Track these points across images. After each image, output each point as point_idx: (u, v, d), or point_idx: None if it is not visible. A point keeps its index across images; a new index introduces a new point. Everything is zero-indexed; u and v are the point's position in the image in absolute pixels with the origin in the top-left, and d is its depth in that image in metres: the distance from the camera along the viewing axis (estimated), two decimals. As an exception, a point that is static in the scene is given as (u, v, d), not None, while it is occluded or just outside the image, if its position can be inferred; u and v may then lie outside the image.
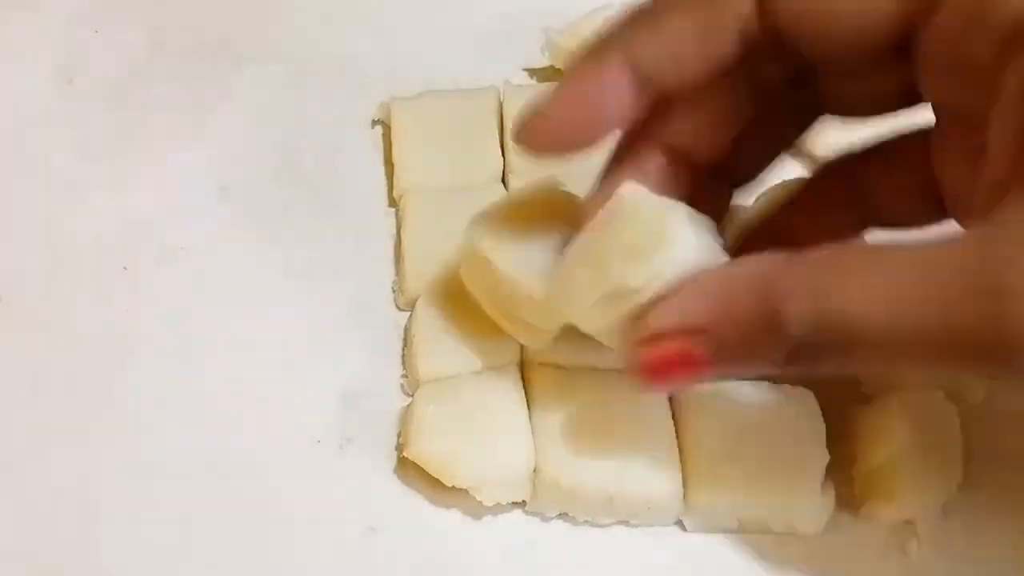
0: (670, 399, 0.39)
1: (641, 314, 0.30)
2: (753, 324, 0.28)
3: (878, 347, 0.27)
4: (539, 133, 0.32)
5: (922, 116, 0.35)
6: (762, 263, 0.29)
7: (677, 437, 0.39)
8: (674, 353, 0.29)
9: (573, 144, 0.32)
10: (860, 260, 0.28)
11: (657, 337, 0.30)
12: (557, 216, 0.37)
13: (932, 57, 0.31)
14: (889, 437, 0.39)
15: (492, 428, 0.39)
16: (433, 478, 0.38)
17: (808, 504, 0.38)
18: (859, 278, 0.27)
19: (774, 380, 0.40)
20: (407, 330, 0.43)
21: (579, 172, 0.37)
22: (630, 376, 0.31)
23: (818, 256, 0.28)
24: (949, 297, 0.26)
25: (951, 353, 0.27)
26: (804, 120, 0.37)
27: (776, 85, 0.34)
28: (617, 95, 0.32)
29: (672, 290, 0.30)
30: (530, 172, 0.44)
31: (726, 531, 0.39)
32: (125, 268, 0.44)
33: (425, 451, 0.38)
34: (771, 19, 0.32)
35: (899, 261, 0.27)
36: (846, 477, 0.40)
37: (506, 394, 0.40)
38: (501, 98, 0.47)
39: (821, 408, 0.42)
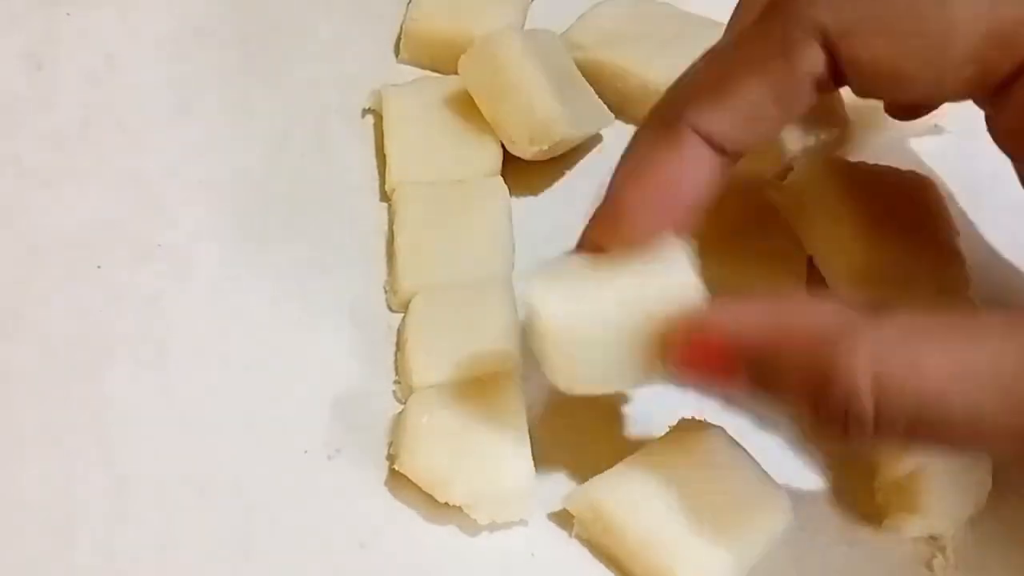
0: None
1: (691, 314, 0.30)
2: (799, 376, 0.27)
3: (953, 433, 0.26)
4: (617, 225, 0.31)
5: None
6: (826, 313, 0.28)
7: None
8: (715, 356, 0.29)
9: (653, 233, 0.30)
10: (941, 330, 0.26)
11: (701, 335, 0.29)
12: None
13: (1010, 123, 0.30)
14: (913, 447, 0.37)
15: (489, 441, 0.37)
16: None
17: None
18: (937, 353, 0.25)
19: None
20: (400, 333, 0.41)
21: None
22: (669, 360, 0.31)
23: (894, 322, 0.27)
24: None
25: None
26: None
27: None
28: (699, 172, 0.30)
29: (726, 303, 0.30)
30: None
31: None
32: (99, 267, 0.43)
33: (417, 466, 0.37)
34: (842, 68, 0.30)
35: (985, 335, 0.26)
36: (867, 488, 0.39)
37: (505, 403, 0.38)
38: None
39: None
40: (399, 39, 0.49)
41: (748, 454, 0.37)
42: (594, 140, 0.46)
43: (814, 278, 0.41)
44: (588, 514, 0.37)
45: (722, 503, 0.36)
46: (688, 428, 0.38)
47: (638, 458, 0.37)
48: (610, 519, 0.36)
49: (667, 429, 0.38)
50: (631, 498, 0.36)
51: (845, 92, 0.33)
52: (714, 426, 0.38)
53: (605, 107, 0.45)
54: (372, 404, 0.40)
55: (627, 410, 0.40)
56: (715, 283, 0.40)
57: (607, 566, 0.37)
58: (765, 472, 0.37)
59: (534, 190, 0.45)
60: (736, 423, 0.39)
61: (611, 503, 0.36)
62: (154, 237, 0.43)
